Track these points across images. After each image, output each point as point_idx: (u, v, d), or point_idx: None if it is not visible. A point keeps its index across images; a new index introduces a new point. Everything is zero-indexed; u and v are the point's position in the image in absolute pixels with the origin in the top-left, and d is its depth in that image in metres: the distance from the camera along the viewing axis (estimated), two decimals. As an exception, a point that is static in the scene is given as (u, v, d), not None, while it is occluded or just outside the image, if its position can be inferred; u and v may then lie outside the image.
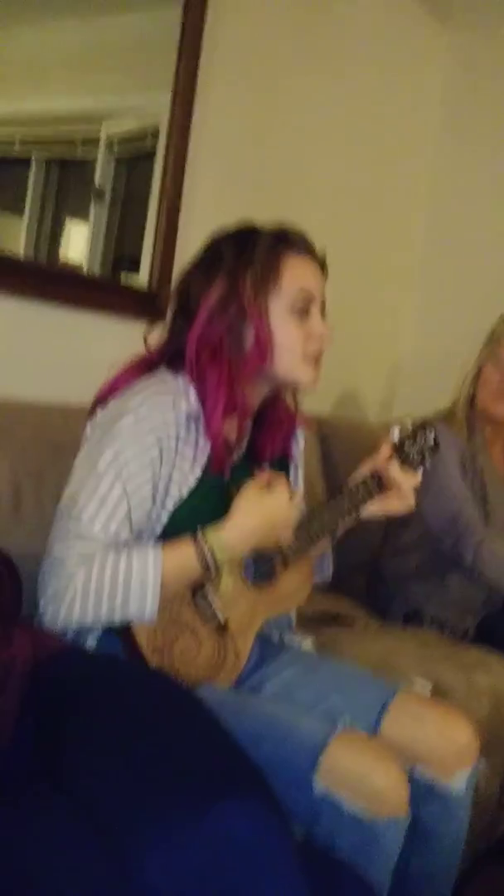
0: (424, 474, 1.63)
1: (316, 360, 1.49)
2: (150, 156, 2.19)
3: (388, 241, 3.13)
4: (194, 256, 1.51)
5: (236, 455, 1.51)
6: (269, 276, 1.43)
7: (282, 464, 1.63)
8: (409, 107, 3.10)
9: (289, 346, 1.45)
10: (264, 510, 1.42)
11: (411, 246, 3.25)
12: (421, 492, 1.62)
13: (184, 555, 1.37)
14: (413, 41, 3.06)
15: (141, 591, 1.32)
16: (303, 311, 1.45)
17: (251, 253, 1.43)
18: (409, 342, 3.29)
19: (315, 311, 1.47)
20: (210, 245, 1.49)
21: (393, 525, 2.40)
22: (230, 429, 1.48)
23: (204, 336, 1.43)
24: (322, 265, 1.51)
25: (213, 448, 1.43)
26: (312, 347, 1.47)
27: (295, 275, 1.45)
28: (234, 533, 1.39)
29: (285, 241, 1.46)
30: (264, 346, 1.43)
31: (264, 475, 1.47)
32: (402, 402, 3.24)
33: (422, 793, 1.42)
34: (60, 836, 1.01)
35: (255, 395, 1.50)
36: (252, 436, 1.56)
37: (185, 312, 1.47)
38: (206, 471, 1.44)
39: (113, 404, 1.42)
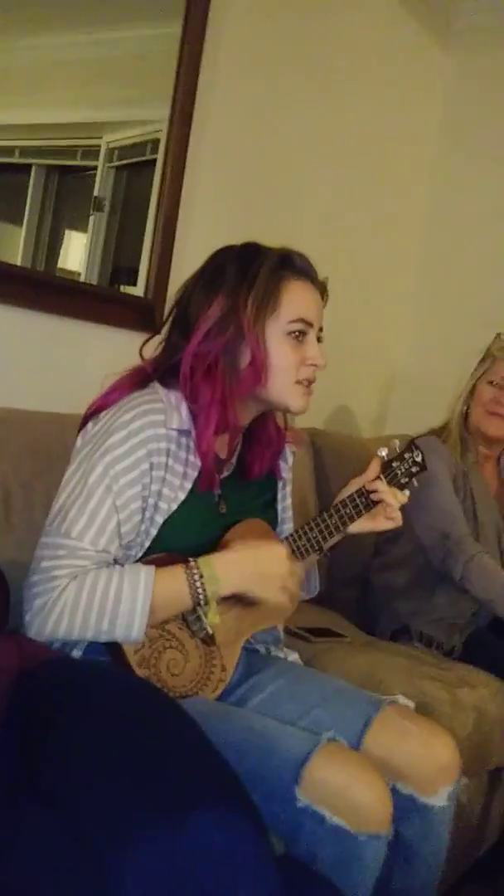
0: (414, 491, 1.65)
1: (308, 386, 1.49)
2: (150, 166, 2.20)
3: (383, 256, 3.15)
4: (196, 271, 1.50)
5: (226, 471, 1.52)
6: (269, 299, 1.43)
7: (269, 481, 1.63)
8: (408, 124, 3.12)
9: (283, 369, 1.45)
10: (259, 557, 1.43)
11: (407, 262, 3.27)
12: (411, 507, 1.64)
13: (175, 584, 1.37)
14: (414, 58, 3.08)
15: (129, 615, 1.32)
16: (299, 337, 1.46)
17: (254, 274, 1.43)
18: (403, 358, 3.31)
19: (311, 337, 1.48)
20: (213, 261, 1.49)
21: (383, 540, 2.41)
22: (220, 446, 1.49)
23: (200, 353, 1.43)
24: (322, 292, 1.51)
25: (202, 466, 1.43)
26: (306, 373, 1.48)
27: (294, 300, 1.45)
28: (226, 569, 1.40)
29: (289, 265, 1.46)
30: (260, 368, 1.44)
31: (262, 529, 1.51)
32: (395, 417, 3.26)
33: (403, 808, 1.43)
34: (41, 846, 1.01)
35: (246, 414, 1.51)
36: (241, 452, 1.56)
37: (183, 327, 1.47)
38: (195, 486, 1.44)
39: (105, 418, 1.42)
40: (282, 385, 1.46)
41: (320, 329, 1.51)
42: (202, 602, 1.38)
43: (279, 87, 2.51)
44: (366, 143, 2.90)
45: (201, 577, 1.37)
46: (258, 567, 1.42)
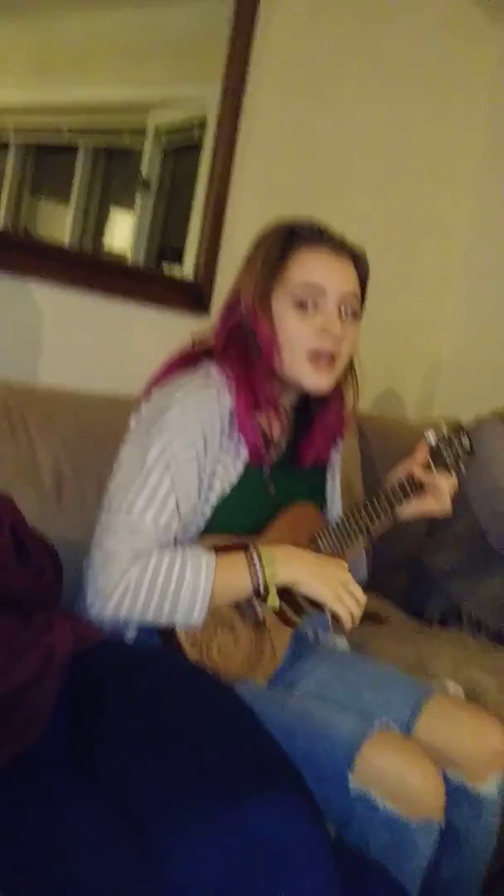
0: (461, 477, 1.62)
1: (323, 361, 1.42)
2: (196, 147, 2.19)
3: (431, 237, 3.11)
4: None
5: (276, 454, 1.51)
6: (273, 271, 1.40)
7: (319, 466, 1.62)
8: (459, 106, 3.06)
9: (288, 342, 1.41)
10: (320, 558, 1.43)
11: (455, 242, 3.22)
12: (471, 488, 1.60)
13: (236, 572, 1.36)
14: (466, 41, 3.03)
15: (191, 600, 1.32)
16: (306, 306, 1.40)
17: (262, 249, 1.42)
18: (450, 340, 3.27)
19: (326, 305, 1.40)
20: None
21: (437, 521, 2.38)
22: (266, 423, 1.47)
23: (222, 330, 1.44)
24: (354, 259, 1.46)
25: (246, 440, 1.42)
26: (315, 344, 1.40)
27: (303, 268, 1.40)
28: (286, 557, 1.38)
29: (296, 234, 1.42)
30: (268, 343, 1.40)
31: None
32: (441, 400, 3.22)
33: (453, 796, 1.41)
34: (93, 829, 1.01)
35: (283, 391, 1.48)
36: (296, 438, 1.55)
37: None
38: (248, 466, 1.44)
39: (157, 397, 1.42)
40: (291, 360, 1.42)
41: (355, 297, 1.44)
42: (262, 589, 1.37)
43: (329, 68, 2.48)
44: (416, 125, 2.86)
45: (262, 564, 1.36)
46: (319, 564, 1.41)
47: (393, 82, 2.73)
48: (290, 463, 1.53)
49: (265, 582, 1.36)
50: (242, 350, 1.42)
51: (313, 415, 1.54)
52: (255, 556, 1.36)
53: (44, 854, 0.98)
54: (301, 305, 1.40)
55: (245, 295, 1.41)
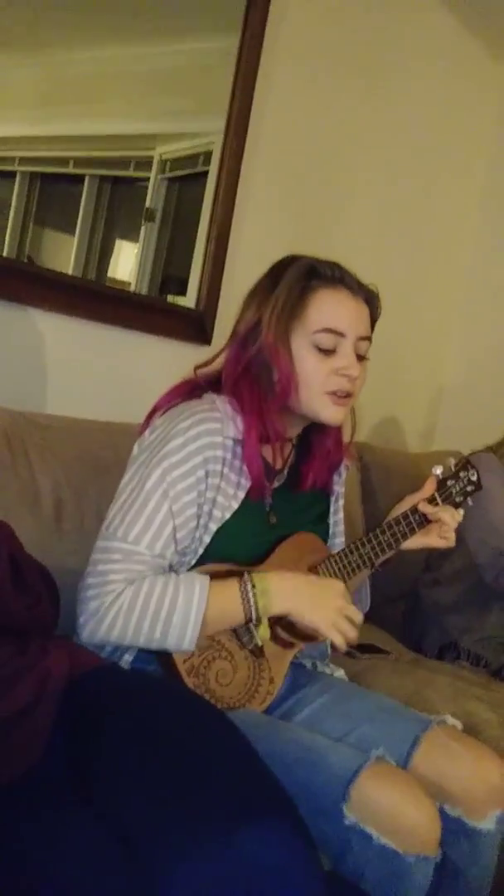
0: (468, 509, 1.63)
1: (340, 398, 1.44)
2: (201, 178, 2.21)
3: (433, 268, 3.13)
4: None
5: (277, 481, 1.51)
6: (293, 310, 1.41)
7: (321, 494, 1.62)
8: (461, 136, 3.10)
9: (309, 381, 1.42)
10: (316, 585, 1.42)
11: (457, 274, 3.25)
12: (465, 524, 1.62)
13: (228, 598, 1.36)
14: (468, 71, 3.07)
15: (182, 625, 1.32)
16: (326, 350, 1.42)
17: (282, 285, 1.42)
18: (451, 372, 3.28)
19: (345, 347, 1.43)
20: (266, 272, 1.49)
21: (435, 556, 2.39)
22: (270, 454, 1.48)
23: (234, 363, 1.44)
24: (369, 301, 1.47)
25: (250, 474, 1.43)
26: (336, 384, 1.43)
27: (322, 310, 1.41)
28: (280, 586, 1.38)
29: (316, 274, 1.43)
30: (287, 381, 1.41)
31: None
32: (443, 432, 3.23)
33: (450, 831, 1.40)
34: (87, 854, 1.00)
35: (291, 424, 1.49)
36: (296, 462, 1.55)
37: (231, 337, 1.48)
38: (248, 495, 1.44)
39: (160, 424, 1.42)
40: (309, 396, 1.43)
41: (367, 339, 1.46)
42: (253, 618, 1.37)
43: (333, 100, 2.51)
44: (418, 155, 2.89)
45: (255, 592, 1.36)
46: (313, 592, 1.40)
47: (397, 111, 2.76)
48: (290, 488, 1.53)
49: (257, 613, 1.36)
50: (256, 383, 1.43)
51: (312, 440, 1.55)
52: (248, 584, 1.36)
53: (36, 878, 0.98)
54: (321, 349, 1.42)
55: (266, 332, 1.41)
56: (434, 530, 1.57)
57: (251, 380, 1.43)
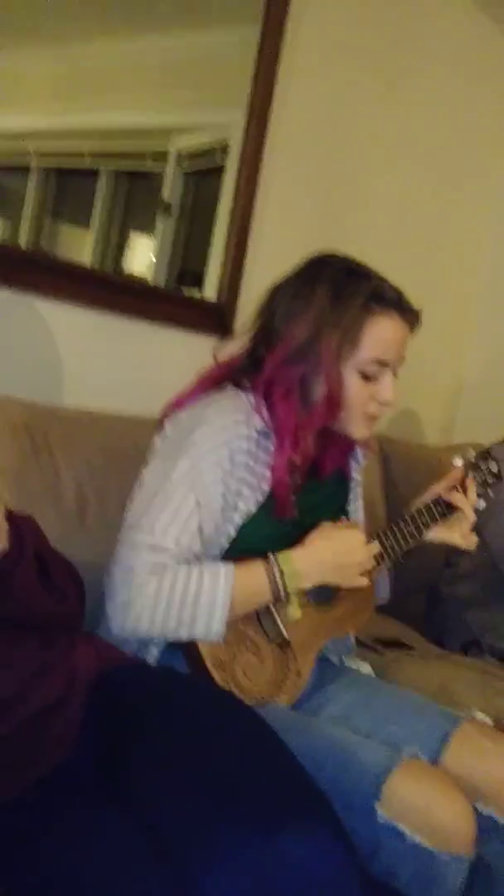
0: (489, 502, 1.62)
1: (374, 420, 1.48)
2: (218, 171, 2.19)
3: (453, 259, 3.10)
4: (290, 276, 1.47)
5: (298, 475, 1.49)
6: (353, 338, 1.40)
7: (341, 482, 1.61)
8: (482, 128, 3.07)
9: (348, 404, 1.44)
10: (336, 547, 1.42)
11: (477, 265, 3.22)
12: (486, 517, 1.60)
13: (254, 579, 1.36)
14: (491, 63, 3.03)
15: (209, 611, 1.31)
16: (370, 376, 1.43)
17: (345, 306, 1.39)
18: (471, 365, 3.25)
19: (385, 375, 1.44)
20: (308, 271, 1.45)
21: (454, 551, 2.36)
22: (294, 463, 1.46)
23: (278, 376, 1.41)
24: (413, 324, 1.47)
25: (276, 492, 1.41)
26: (373, 409, 1.46)
27: (376, 339, 1.41)
28: (305, 563, 1.39)
29: (379, 299, 1.41)
30: (334, 405, 1.42)
31: (343, 523, 1.49)
32: (463, 425, 3.20)
33: (483, 829, 1.36)
34: (119, 853, 0.99)
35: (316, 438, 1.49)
36: (316, 452, 1.53)
37: (267, 337, 1.45)
38: (272, 491, 1.42)
39: (186, 416, 1.41)
40: (346, 417, 1.45)
41: (401, 360, 1.47)
42: (283, 597, 1.37)
43: (355, 92, 2.49)
44: (440, 148, 2.86)
45: (281, 571, 1.36)
46: (337, 558, 1.42)
47: (420, 106, 2.73)
48: (311, 477, 1.52)
49: (285, 588, 1.36)
50: (296, 401, 1.42)
51: (327, 429, 1.53)
52: (273, 564, 1.37)
53: (65, 880, 0.97)
54: (365, 375, 1.43)
55: (325, 354, 1.39)
56: (457, 526, 1.56)
57: (294, 398, 1.42)
